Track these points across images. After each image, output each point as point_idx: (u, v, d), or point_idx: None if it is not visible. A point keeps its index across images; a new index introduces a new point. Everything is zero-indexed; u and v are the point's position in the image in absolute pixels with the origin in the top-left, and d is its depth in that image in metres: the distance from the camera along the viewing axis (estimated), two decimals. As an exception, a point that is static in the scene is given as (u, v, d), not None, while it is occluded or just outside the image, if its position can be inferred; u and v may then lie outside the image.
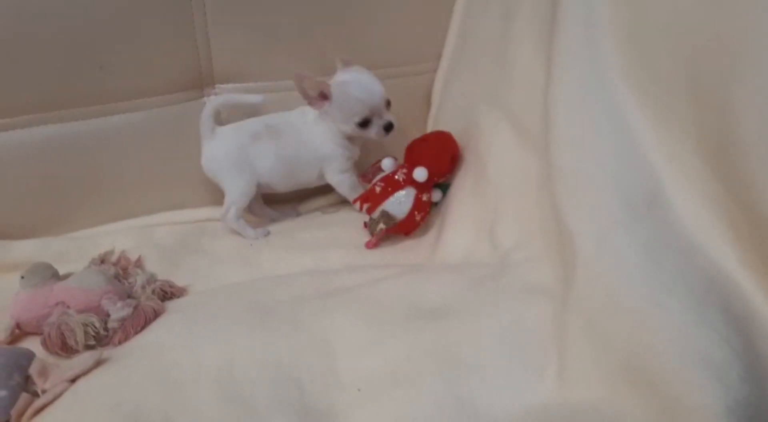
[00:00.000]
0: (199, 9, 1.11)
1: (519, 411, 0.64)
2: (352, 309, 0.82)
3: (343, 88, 1.09)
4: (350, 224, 1.17)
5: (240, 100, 1.17)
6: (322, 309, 0.82)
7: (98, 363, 0.75)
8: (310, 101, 1.09)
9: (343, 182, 1.18)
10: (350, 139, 1.15)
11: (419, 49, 1.30)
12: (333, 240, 1.12)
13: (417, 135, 1.33)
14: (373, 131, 1.11)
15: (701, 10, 0.65)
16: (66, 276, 0.92)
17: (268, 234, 1.16)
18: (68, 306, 0.86)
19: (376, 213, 1.07)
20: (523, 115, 0.91)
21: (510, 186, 0.91)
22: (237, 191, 1.14)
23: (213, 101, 1.16)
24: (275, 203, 1.28)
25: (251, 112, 1.19)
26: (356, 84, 1.09)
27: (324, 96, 1.09)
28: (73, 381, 0.73)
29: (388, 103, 1.11)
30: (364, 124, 1.10)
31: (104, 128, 1.12)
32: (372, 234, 1.08)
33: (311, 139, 1.15)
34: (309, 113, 1.15)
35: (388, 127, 1.11)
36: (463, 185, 1.03)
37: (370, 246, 1.08)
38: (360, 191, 1.16)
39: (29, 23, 1.01)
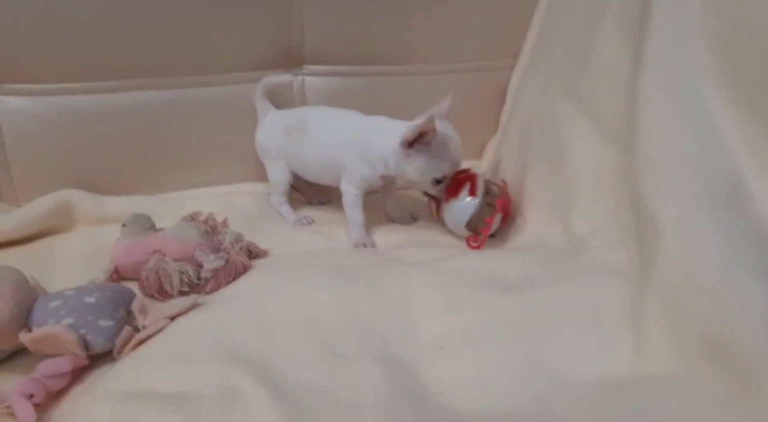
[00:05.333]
0: (297, -10, 1.17)
1: (594, 379, 0.68)
2: (429, 277, 0.86)
3: (443, 142, 1.00)
4: (418, 206, 1.22)
5: (274, 80, 1.20)
6: (401, 275, 0.87)
7: (195, 306, 0.81)
8: (412, 143, 0.98)
9: (347, 193, 1.08)
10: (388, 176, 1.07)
11: (498, 45, 1.33)
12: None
13: (488, 130, 1.39)
14: (438, 188, 1.05)
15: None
16: (161, 230, 0.99)
17: (311, 222, 1.17)
18: (164, 255, 0.92)
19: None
20: (605, 109, 0.94)
21: (587, 176, 0.94)
22: (274, 177, 1.18)
23: (261, 83, 1.19)
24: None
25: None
26: (453, 142, 1.02)
27: (422, 141, 0.98)
28: (172, 319, 0.79)
29: None
30: (440, 181, 1.03)
31: (198, 98, 1.19)
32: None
33: (338, 143, 1.08)
34: (353, 117, 1.11)
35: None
36: (536, 176, 1.06)
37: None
38: (358, 210, 1.08)
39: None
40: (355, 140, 1.06)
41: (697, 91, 0.78)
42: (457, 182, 1.05)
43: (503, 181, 1.10)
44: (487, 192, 1.04)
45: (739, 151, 0.72)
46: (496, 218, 1.02)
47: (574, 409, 0.64)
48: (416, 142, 0.98)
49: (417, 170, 1.01)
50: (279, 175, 1.18)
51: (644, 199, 0.78)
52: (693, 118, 0.77)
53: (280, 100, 1.22)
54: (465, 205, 1.04)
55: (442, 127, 0.99)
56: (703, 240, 0.68)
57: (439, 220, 1.11)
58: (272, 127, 1.18)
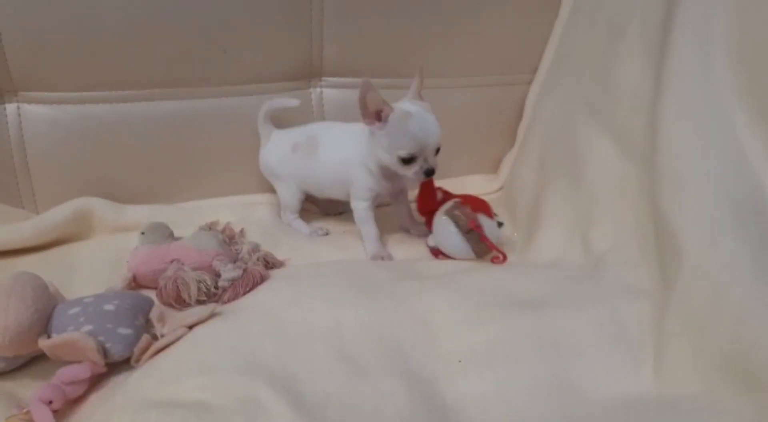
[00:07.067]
0: (318, 3, 1.17)
1: (616, 398, 0.67)
2: (450, 291, 0.86)
3: (402, 117, 0.99)
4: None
5: (278, 104, 1.20)
6: (421, 289, 0.87)
7: (213, 315, 0.81)
8: (365, 114, 0.99)
9: (357, 209, 1.10)
10: (385, 172, 1.06)
11: (516, 60, 1.34)
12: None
13: (505, 144, 1.39)
14: (413, 170, 1.01)
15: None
16: (180, 238, 0.99)
17: (326, 233, 1.19)
18: (183, 264, 0.92)
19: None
20: (626, 126, 0.94)
21: (607, 193, 0.94)
22: (285, 195, 1.19)
23: (263, 108, 1.19)
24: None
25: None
26: (418, 119, 0.99)
27: (379, 116, 0.99)
28: (190, 328, 0.79)
29: (437, 150, 1.02)
30: (408, 160, 1.00)
31: (218, 109, 1.20)
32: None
33: (344, 157, 1.09)
34: (357, 130, 1.06)
35: (429, 172, 1.01)
36: (555, 191, 1.06)
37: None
38: (371, 224, 1.10)
39: (163, 6, 1.09)
40: (359, 150, 1.07)
41: (720, 109, 0.78)
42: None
43: (444, 192, 1.11)
44: (456, 223, 1.00)
45: (763, 167, 0.72)
46: (488, 233, 0.99)
47: (596, 427, 0.64)
48: (374, 116, 0.99)
49: (382, 148, 1.01)
50: (288, 194, 1.19)
51: (666, 217, 0.78)
52: (717, 135, 0.77)
53: (296, 114, 1.22)
54: (451, 238, 1.01)
55: (408, 105, 1.01)
56: (728, 260, 0.68)
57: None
58: (279, 147, 1.19)
